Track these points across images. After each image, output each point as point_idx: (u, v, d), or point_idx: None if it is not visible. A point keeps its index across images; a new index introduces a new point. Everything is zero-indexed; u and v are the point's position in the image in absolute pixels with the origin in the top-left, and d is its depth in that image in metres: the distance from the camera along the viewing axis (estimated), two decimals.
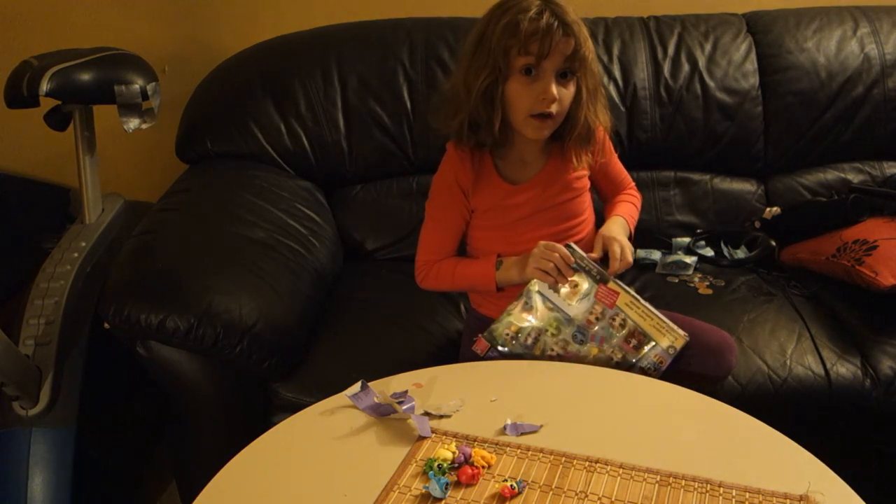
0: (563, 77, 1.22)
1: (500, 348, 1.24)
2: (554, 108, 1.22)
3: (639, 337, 1.20)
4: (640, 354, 1.20)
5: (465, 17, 1.94)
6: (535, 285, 1.23)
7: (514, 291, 1.26)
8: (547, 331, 1.22)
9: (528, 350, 1.23)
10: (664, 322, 1.20)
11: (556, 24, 1.18)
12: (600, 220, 1.40)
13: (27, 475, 1.39)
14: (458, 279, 1.34)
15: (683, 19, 1.93)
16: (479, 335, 1.25)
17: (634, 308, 1.20)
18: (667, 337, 1.20)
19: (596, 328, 1.21)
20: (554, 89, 1.21)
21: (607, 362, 1.21)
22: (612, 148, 1.42)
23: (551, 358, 1.23)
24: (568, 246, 1.22)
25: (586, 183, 1.38)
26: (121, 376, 1.68)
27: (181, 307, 1.33)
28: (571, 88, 1.24)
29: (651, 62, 1.87)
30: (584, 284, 1.22)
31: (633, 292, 1.22)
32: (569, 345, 1.22)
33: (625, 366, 1.21)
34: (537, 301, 1.23)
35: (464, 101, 1.26)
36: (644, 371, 1.20)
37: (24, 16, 2.05)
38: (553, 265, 1.21)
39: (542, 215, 1.32)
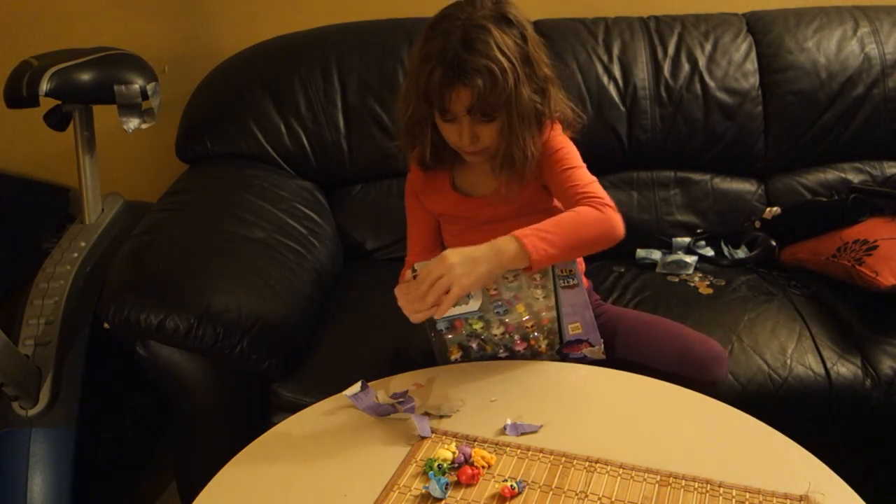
0: (484, 117, 1.19)
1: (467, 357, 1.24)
2: (473, 148, 1.23)
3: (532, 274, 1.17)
4: (549, 277, 1.17)
5: None
6: (439, 322, 1.20)
7: None
8: (475, 329, 1.21)
9: (482, 352, 1.23)
10: (516, 273, 1.17)
11: (452, 75, 1.14)
12: None
13: (27, 475, 1.39)
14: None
15: (683, 19, 1.93)
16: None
17: (499, 285, 1.18)
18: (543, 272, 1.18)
19: (503, 294, 1.18)
20: (466, 135, 1.20)
21: (542, 306, 1.19)
22: (562, 152, 1.27)
23: (507, 341, 1.22)
24: (413, 270, 1.14)
25: (549, 202, 1.32)
26: (121, 376, 1.68)
27: (181, 307, 1.33)
28: (494, 125, 1.20)
29: (651, 62, 1.87)
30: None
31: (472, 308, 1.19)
32: (502, 321, 1.20)
33: (552, 295, 1.19)
34: (448, 324, 1.21)
35: (401, 128, 1.30)
36: (568, 287, 1.18)
37: (24, 16, 2.05)
38: (420, 303, 1.09)
39: (493, 227, 1.21)
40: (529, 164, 1.24)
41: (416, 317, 1.10)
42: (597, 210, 1.16)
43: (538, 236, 1.10)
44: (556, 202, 1.31)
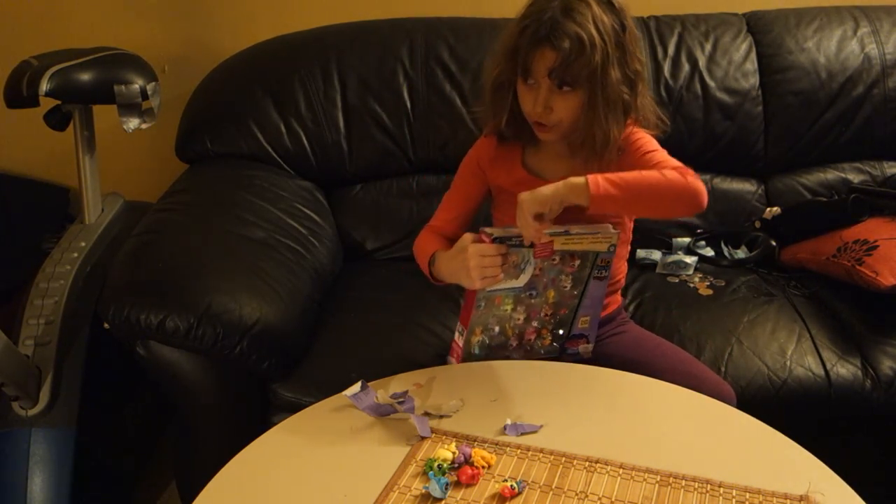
0: (561, 87, 1.19)
1: (476, 352, 1.23)
2: (547, 120, 1.21)
3: (578, 257, 1.18)
4: (588, 264, 1.19)
5: (465, 17, 1.94)
6: (480, 293, 1.19)
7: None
8: (506, 311, 1.20)
9: (500, 337, 1.22)
10: (595, 233, 1.17)
11: (543, 33, 1.16)
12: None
13: (27, 475, 1.39)
14: (419, 250, 1.32)
15: (683, 19, 1.93)
16: (451, 354, 1.25)
17: (569, 242, 1.16)
18: (602, 242, 1.18)
19: (543, 276, 1.18)
20: (541, 100, 1.19)
21: (567, 295, 1.21)
22: (646, 141, 1.27)
23: (522, 328, 1.22)
24: (496, 238, 1.13)
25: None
26: (121, 376, 1.68)
27: (181, 307, 1.33)
28: (573, 99, 1.20)
29: (651, 62, 1.87)
30: (518, 257, 1.15)
31: (560, 229, 1.15)
32: (529, 305, 1.20)
33: (581, 284, 1.21)
34: (488, 299, 1.19)
35: (486, 92, 1.30)
36: (599, 278, 1.21)
37: (24, 16, 2.05)
38: (493, 268, 1.12)
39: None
40: (610, 150, 1.23)
41: (483, 282, 1.11)
42: (679, 174, 1.15)
43: (604, 176, 1.12)
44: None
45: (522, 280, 1.16)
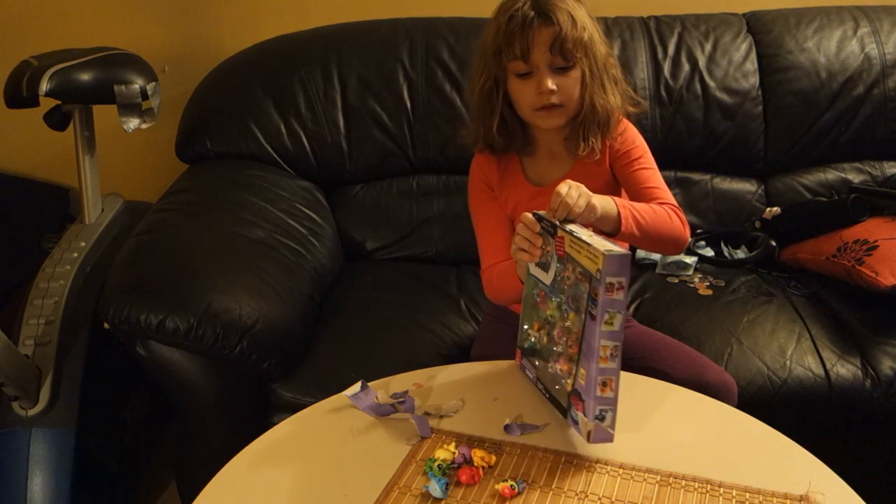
0: (560, 69, 1.21)
1: (525, 346, 1.16)
2: (555, 99, 1.21)
3: (582, 275, 0.98)
4: (585, 290, 0.96)
5: (465, 17, 1.94)
6: (530, 268, 1.12)
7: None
8: (548, 315, 1.07)
9: (547, 355, 1.07)
10: (590, 245, 0.95)
11: (532, 15, 1.18)
12: None
13: (27, 475, 1.39)
14: (501, 282, 1.27)
15: (683, 19, 1.93)
16: (518, 349, 1.18)
17: (574, 245, 0.99)
18: (590, 261, 0.95)
19: (567, 290, 1.01)
20: (549, 82, 1.20)
21: (578, 327, 0.98)
22: (640, 152, 1.30)
23: (556, 353, 1.05)
24: (535, 214, 1.09)
25: (619, 192, 1.32)
26: (121, 376, 1.68)
27: (181, 307, 1.33)
28: (574, 75, 1.22)
29: (651, 62, 1.87)
30: (547, 245, 1.07)
31: (573, 228, 1.02)
32: (566, 320, 1.02)
33: (582, 313, 0.97)
34: (535, 286, 1.12)
35: (472, 106, 1.30)
36: (592, 316, 0.94)
37: (24, 16, 2.05)
38: (525, 240, 1.09)
39: None
40: (612, 127, 1.26)
41: (520, 254, 1.09)
42: (679, 219, 1.21)
43: (632, 213, 1.14)
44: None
45: (549, 277, 1.07)
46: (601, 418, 0.95)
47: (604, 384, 0.94)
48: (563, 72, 1.21)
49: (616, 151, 1.30)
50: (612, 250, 0.91)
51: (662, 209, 1.20)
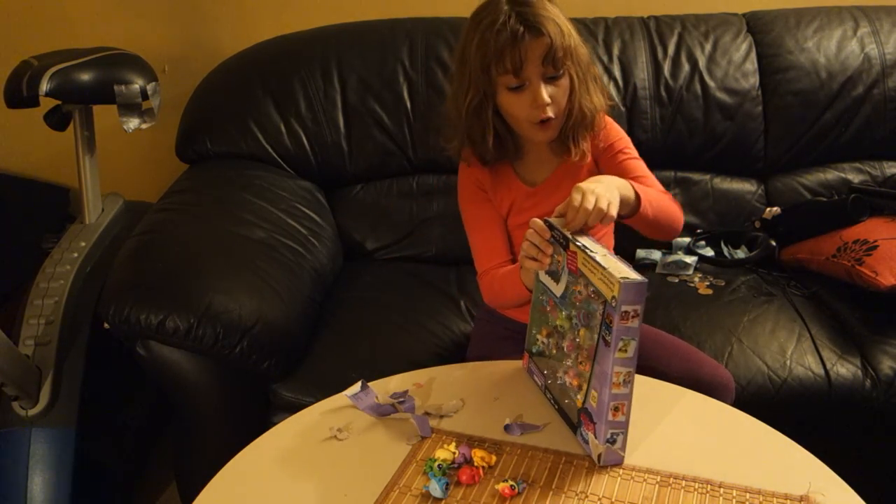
0: (551, 77, 1.20)
1: (532, 351, 1.15)
2: (551, 112, 1.20)
3: (595, 294, 0.96)
4: (599, 313, 0.95)
5: (465, 17, 1.94)
6: (539, 274, 1.10)
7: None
8: (557, 325, 1.06)
9: (559, 357, 1.06)
10: (606, 270, 0.93)
11: (521, 29, 1.16)
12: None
13: (27, 475, 1.39)
14: (502, 287, 1.26)
15: (683, 19, 1.93)
16: (525, 352, 1.18)
17: (587, 264, 0.97)
18: (606, 286, 0.93)
19: (578, 306, 1.00)
20: (544, 94, 1.19)
21: (590, 345, 0.98)
22: (624, 143, 1.32)
23: (565, 366, 1.04)
24: (546, 221, 1.06)
25: None
26: (121, 376, 1.68)
27: (181, 307, 1.33)
28: (563, 83, 1.21)
29: (651, 62, 1.87)
30: (557, 255, 1.05)
31: (586, 244, 0.99)
32: (576, 335, 1.01)
33: (595, 333, 0.96)
34: (543, 292, 1.10)
35: (456, 121, 1.27)
36: (606, 342, 0.93)
37: (24, 16, 2.05)
38: (534, 247, 1.07)
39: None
40: (597, 126, 1.28)
41: (527, 261, 1.08)
42: (677, 205, 1.25)
43: (647, 197, 1.15)
44: None
45: (559, 289, 1.05)
46: (612, 441, 0.95)
47: (616, 409, 0.94)
48: (554, 80, 1.20)
49: (600, 145, 1.30)
50: (627, 277, 0.90)
51: (665, 195, 1.24)
